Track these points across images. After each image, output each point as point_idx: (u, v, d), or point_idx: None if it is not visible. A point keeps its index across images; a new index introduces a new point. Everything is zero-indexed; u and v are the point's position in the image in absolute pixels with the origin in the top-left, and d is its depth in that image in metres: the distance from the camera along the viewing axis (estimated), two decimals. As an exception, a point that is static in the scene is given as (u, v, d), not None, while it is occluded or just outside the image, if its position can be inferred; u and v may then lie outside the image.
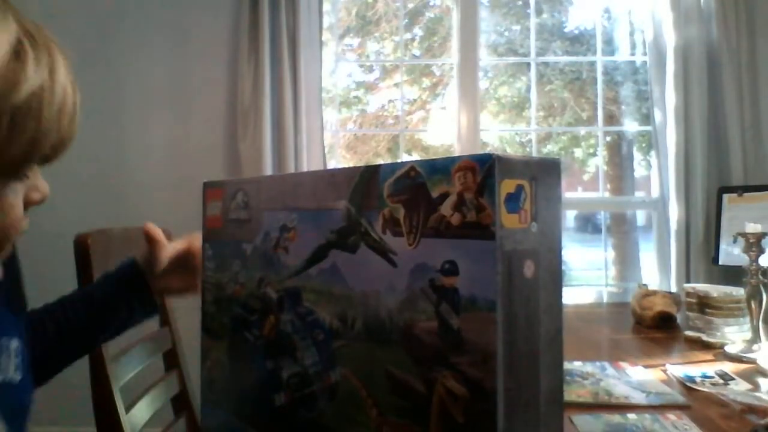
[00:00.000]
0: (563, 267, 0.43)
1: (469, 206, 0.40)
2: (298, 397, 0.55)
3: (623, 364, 0.97)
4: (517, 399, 0.39)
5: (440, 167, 0.42)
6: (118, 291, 0.79)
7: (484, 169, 0.39)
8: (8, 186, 0.49)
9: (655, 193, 2.32)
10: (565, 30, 4.48)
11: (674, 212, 2.09)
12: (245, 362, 0.62)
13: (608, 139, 4.28)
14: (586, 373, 0.93)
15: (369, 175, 0.49)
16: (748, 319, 1.07)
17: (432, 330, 0.42)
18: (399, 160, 0.54)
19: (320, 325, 0.53)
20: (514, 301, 0.39)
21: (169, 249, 0.81)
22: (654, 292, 1.32)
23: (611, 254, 4.21)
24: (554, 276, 0.42)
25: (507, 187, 0.39)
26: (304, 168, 2.12)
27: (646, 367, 0.96)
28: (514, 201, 0.39)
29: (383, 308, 0.46)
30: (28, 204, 0.52)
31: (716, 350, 1.07)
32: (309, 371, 0.54)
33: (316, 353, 0.53)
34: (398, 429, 0.44)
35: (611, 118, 3.96)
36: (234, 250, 0.63)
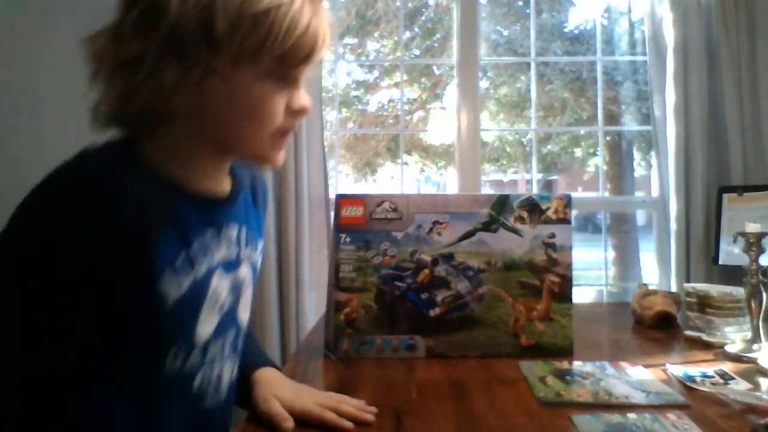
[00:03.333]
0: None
1: (560, 212, 1.05)
2: (451, 307, 1.04)
3: (623, 364, 0.97)
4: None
5: (545, 197, 1.06)
6: None
7: (567, 198, 1.06)
8: (263, 82, 0.66)
9: (655, 192, 2.31)
10: (565, 30, 4.47)
11: (674, 212, 2.08)
12: (396, 300, 1.04)
13: (608, 138, 4.27)
14: (586, 373, 0.93)
15: (503, 197, 1.06)
16: (748, 319, 1.07)
17: (544, 260, 1.05)
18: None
19: (471, 268, 1.05)
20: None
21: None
22: (654, 292, 1.32)
23: (611, 254, 4.21)
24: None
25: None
26: (304, 167, 2.12)
27: (646, 366, 0.96)
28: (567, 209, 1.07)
29: (515, 255, 1.05)
30: (289, 110, 0.69)
31: (716, 350, 1.07)
32: (462, 292, 1.04)
33: (467, 282, 1.04)
34: (525, 303, 1.05)
35: (611, 118, 3.96)
36: (382, 236, 1.04)
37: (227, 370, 0.78)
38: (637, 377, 0.91)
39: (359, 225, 1.04)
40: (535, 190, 3.07)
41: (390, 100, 4.56)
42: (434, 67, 4.64)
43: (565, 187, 9.19)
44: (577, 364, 0.98)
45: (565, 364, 0.98)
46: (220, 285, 0.72)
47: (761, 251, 1.06)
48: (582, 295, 2.66)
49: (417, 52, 4.56)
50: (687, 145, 2.08)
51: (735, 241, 1.11)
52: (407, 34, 4.30)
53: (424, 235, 1.04)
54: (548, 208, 1.05)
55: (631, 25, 3.44)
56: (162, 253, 0.64)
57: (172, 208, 0.67)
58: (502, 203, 1.05)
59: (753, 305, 1.05)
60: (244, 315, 0.80)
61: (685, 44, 2.08)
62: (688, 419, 0.73)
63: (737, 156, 2.02)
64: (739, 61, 2.04)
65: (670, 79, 2.09)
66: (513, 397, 0.83)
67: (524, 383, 0.89)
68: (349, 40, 4.21)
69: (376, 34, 4.34)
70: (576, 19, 4.54)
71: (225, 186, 0.76)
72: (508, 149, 5.97)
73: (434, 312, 1.04)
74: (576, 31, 4.44)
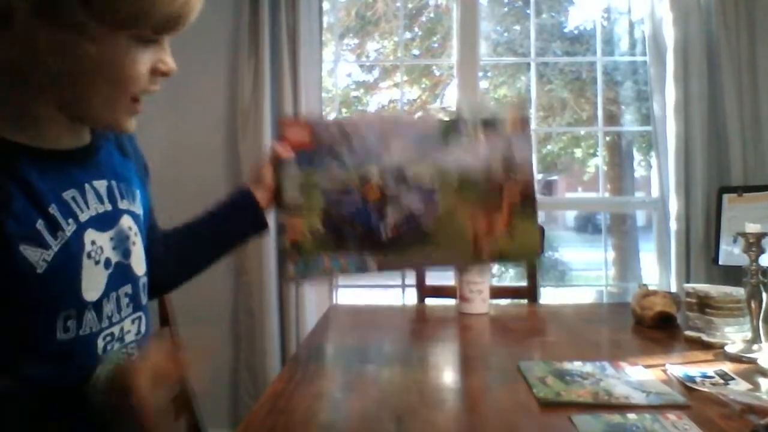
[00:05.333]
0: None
1: (517, 125, 1.04)
2: (404, 228, 0.96)
3: (623, 364, 0.97)
4: None
5: (499, 112, 1.01)
6: (233, 215, 0.96)
7: (522, 112, 1.04)
8: (131, 45, 0.66)
9: (655, 193, 2.32)
10: (565, 30, 4.47)
11: (674, 212, 2.09)
12: (345, 222, 0.95)
13: (608, 139, 4.27)
14: (586, 373, 0.93)
15: (456, 114, 1.02)
16: (748, 319, 1.07)
17: (501, 173, 1.00)
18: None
19: (424, 185, 0.96)
20: None
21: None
22: (654, 292, 1.32)
23: (611, 254, 4.21)
24: None
25: None
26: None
27: (646, 367, 0.96)
28: None
29: (471, 169, 0.98)
30: (155, 72, 0.70)
31: (716, 350, 1.07)
32: (415, 211, 0.96)
33: (421, 200, 0.97)
34: (483, 216, 0.99)
35: (611, 118, 3.96)
36: (329, 157, 0.95)
37: (131, 326, 0.78)
38: (637, 377, 0.91)
39: (305, 146, 0.97)
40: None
41: (390, 101, 4.56)
42: (434, 68, 4.64)
43: (565, 188, 9.19)
44: (577, 364, 0.98)
45: (565, 364, 0.98)
46: (98, 242, 0.72)
47: (761, 251, 1.06)
48: (582, 295, 2.67)
49: (417, 52, 4.56)
50: (687, 145, 2.08)
51: (735, 241, 1.11)
52: (407, 35, 4.30)
53: (375, 154, 0.97)
54: (504, 122, 1.00)
55: (631, 25, 3.44)
56: (14, 223, 0.63)
57: (19, 176, 0.65)
58: (456, 120, 0.99)
59: (753, 305, 1.05)
60: (139, 269, 0.80)
61: (685, 44, 2.08)
62: (688, 419, 0.73)
63: (737, 156, 2.02)
64: (739, 61, 2.04)
65: (670, 80, 2.09)
66: (513, 397, 0.83)
67: (524, 383, 0.89)
68: (349, 40, 4.21)
69: (376, 35, 4.34)
70: (576, 19, 4.54)
71: (82, 144, 0.75)
72: (508, 149, 5.95)
73: (385, 233, 0.96)
74: (576, 31, 4.44)
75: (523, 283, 1.71)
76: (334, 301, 2.30)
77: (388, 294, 2.51)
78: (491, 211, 0.98)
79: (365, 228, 0.95)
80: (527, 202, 0.99)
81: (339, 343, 1.23)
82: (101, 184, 0.75)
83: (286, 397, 0.85)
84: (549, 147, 5.32)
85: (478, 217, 0.98)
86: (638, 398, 0.81)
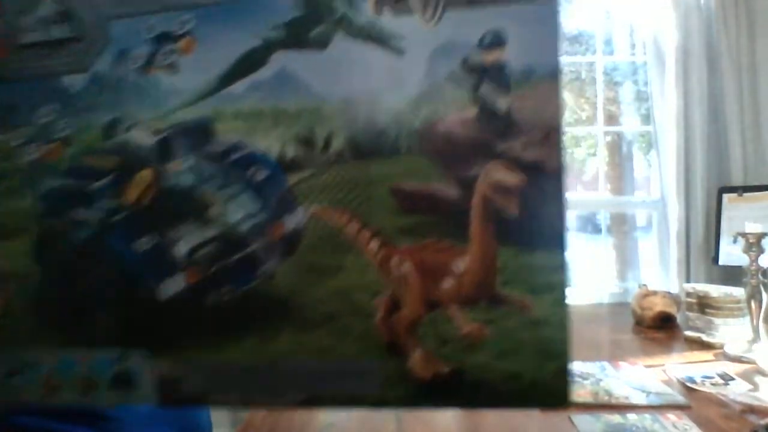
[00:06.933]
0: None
1: None
2: (214, 272, 0.41)
3: (623, 364, 0.97)
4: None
5: None
6: None
7: None
8: None
9: (655, 193, 2.32)
10: (565, 30, 4.48)
11: (674, 212, 2.09)
12: (84, 256, 0.43)
13: (608, 139, 4.28)
14: (586, 373, 0.93)
15: None
16: (748, 319, 1.07)
17: (467, 120, 0.36)
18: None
19: (258, 160, 0.40)
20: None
21: None
22: (654, 292, 1.32)
23: (611, 254, 4.21)
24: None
25: None
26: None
27: (646, 367, 0.96)
28: None
29: (383, 112, 0.37)
30: None
31: (716, 350, 1.07)
32: (238, 229, 0.40)
33: (254, 200, 0.41)
34: (415, 253, 0.38)
35: (611, 118, 3.96)
36: (37, 90, 0.43)
37: None
38: (637, 378, 0.91)
39: None
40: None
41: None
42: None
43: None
44: (577, 364, 0.98)
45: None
46: None
47: (761, 251, 1.06)
48: (582, 295, 2.66)
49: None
50: (687, 145, 2.08)
51: (735, 241, 1.11)
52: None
53: (135, 78, 0.42)
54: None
55: (631, 25, 3.44)
56: None
57: None
58: None
59: (753, 305, 1.05)
60: None
61: (686, 45, 2.09)
62: (688, 420, 0.73)
63: (737, 156, 2.02)
64: (739, 62, 2.04)
65: (670, 80, 2.10)
66: (513, 398, 0.83)
67: (524, 383, 0.89)
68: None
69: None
70: (576, 19, 4.54)
71: None
72: (508, 149, 5.95)
73: (172, 287, 0.41)
74: (575, 31, 4.45)
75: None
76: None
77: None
78: (439, 235, 0.38)
79: (124, 267, 0.42)
80: (539, 228, 0.36)
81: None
82: None
83: (286, 397, 0.85)
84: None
85: (397, 253, 0.38)
86: (638, 398, 0.81)
